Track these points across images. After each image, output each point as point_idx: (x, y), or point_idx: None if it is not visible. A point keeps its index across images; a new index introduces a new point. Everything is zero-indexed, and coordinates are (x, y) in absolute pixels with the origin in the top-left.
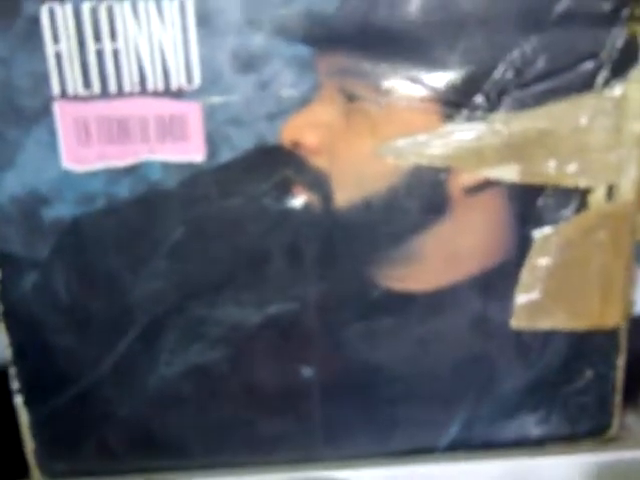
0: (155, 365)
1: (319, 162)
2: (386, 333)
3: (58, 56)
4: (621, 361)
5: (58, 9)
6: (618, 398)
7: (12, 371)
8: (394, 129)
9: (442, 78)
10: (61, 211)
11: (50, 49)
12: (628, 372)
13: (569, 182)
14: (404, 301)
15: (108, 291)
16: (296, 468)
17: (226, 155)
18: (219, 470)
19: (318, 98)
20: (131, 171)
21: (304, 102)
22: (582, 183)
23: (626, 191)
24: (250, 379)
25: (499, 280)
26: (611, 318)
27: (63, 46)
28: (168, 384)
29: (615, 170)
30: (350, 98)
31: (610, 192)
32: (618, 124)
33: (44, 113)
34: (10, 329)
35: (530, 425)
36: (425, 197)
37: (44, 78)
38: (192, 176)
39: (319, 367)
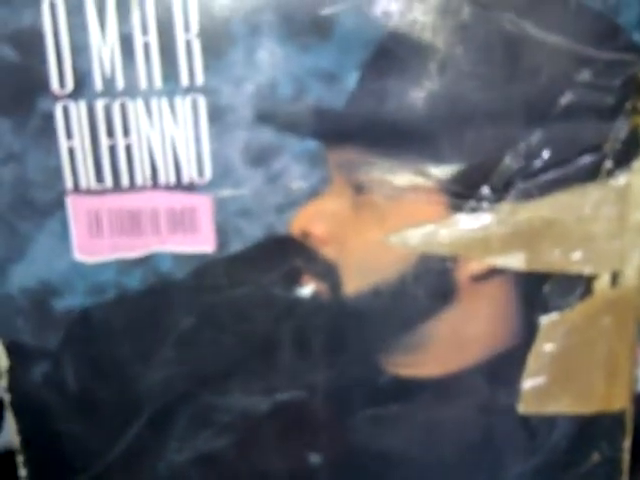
0: (164, 453)
1: (328, 252)
2: (394, 419)
3: (71, 151)
4: (627, 443)
5: (72, 106)
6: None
7: (20, 459)
8: (402, 220)
9: (449, 170)
10: (72, 302)
11: (64, 145)
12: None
13: (574, 269)
14: (412, 387)
15: (117, 380)
16: None
17: (236, 246)
18: None
19: (327, 190)
20: (142, 262)
21: (313, 194)
22: (587, 270)
23: (630, 277)
24: (258, 466)
25: (506, 365)
26: (617, 401)
27: (76, 142)
28: (177, 472)
29: (619, 257)
30: (359, 190)
31: (614, 278)
32: (622, 213)
33: (57, 206)
34: (18, 417)
35: None
36: (433, 285)
37: (57, 172)
38: (202, 266)
39: (327, 454)
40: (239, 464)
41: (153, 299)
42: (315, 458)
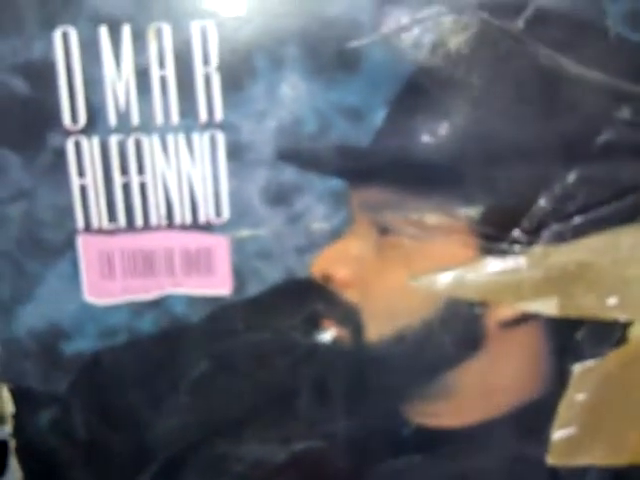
0: None
1: (350, 296)
2: (416, 472)
3: (83, 189)
4: None
5: (84, 142)
6: None
7: None
8: (428, 262)
9: (479, 211)
10: (81, 345)
11: (75, 182)
12: None
13: (609, 315)
14: (436, 438)
15: (128, 427)
16: None
17: (254, 289)
18: None
19: (350, 231)
20: (155, 305)
21: (336, 236)
22: (622, 316)
23: None
24: None
25: (535, 416)
26: None
27: (89, 179)
28: None
29: None
30: (383, 231)
31: None
32: None
33: (67, 246)
34: (23, 464)
35: None
36: (460, 331)
37: (68, 211)
38: (218, 310)
39: None
40: None
41: (166, 343)
42: None
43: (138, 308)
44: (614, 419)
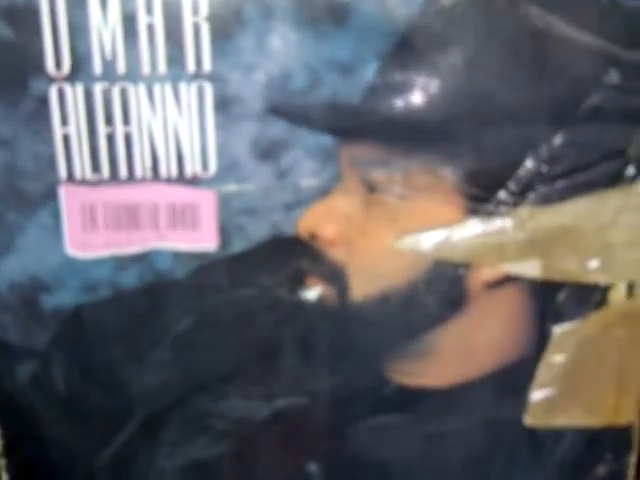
0: (155, 459)
1: (336, 254)
2: (396, 430)
3: (66, 138)
4: (634, 457)
5: (68, 89)
6: None
7: (2, 463)
8: (414, 222)
9: (466, 171)
10: (63, 299)
11: (58, 131)
12: None
13: (590, 279)
14: (416, 397)
15: (109, 382)
16: None
17: (239, 245)
18: None
19: (338, 188)
20: (139, 259)
21: (323, 192)
22: (603, 280)
23: None
24: (254, 475)
25: (514, 377)
26: (625, 415)
27: (72, 128)
28: (168, 476)
29: (637, 268)
30: (371, 189)
31: (630, 289)
32: None
33: (48, 197)
34: (3, 420)
35: None
36: (443, 292)
37: (50, 161)
38: (203, 266)
39: (326, 463)
40: (233, 472)
41: (150, 299)
42: (313, 467)
43: (121, 262)
44: (592, 381)
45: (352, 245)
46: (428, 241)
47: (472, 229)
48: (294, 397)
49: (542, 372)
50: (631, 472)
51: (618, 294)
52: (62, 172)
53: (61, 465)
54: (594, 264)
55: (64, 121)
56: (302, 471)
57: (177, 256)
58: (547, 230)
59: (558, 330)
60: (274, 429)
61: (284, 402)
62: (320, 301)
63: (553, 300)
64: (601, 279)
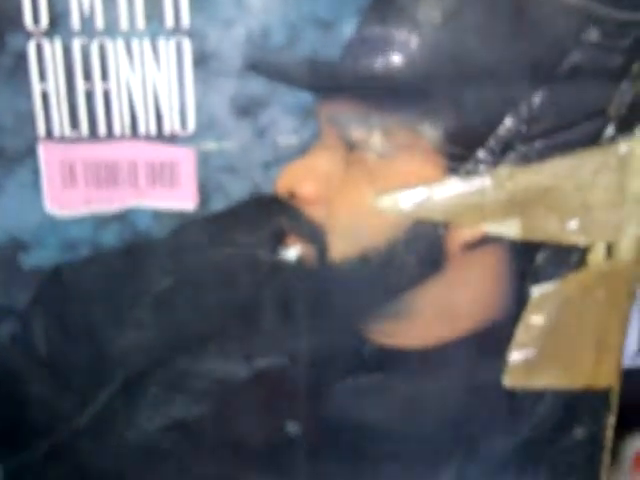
0: (135, 419)
1: (315, 213)
2: (375, 390)
3: (44, 95)
4: (612, 420)
5: (46, 45)
6: (607, 458)
7: None
8: (394, 181)
9: (446, 129)
10: (42, 258)
11: (36, 87)
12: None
13: (569, 239)
14: (395, 358)
15: (88, 342)
16: None
17: (219, 204)
18: None
19: (317, 147)
20: (118, 218)
21: (302, 150)
22: (582, 240)
23: (626, 250)
24: (234, 435)
25: (493, 338)
26: (604, 378)
27: (50, 84)
28: (148, 440)
29: (616, 228)
30: (350, 147)
31: (610, 250)
32: (622, 182)
33: (27, 154)
34: None
35: None
36: (422, 252)
37: (28, 118)
38: (182, 225)
39: (305, 423)
40: (213, 433)
41: (129, 258)
42: (293, 427)
43: (101, 221)
44: (571, 342)
45: (331, 204)
46: (407, 200)
47: (452, 188)
48: (274, 357)
49: (521, 333)
50: (609, 434)
51: (597, 255)
52: (41, 129)
53: (43, 425)
54: (573, 224)
55: (42, 77)
56: (282, 431)
57: (157, 215)
58: (526, 190)
59: (537, 291)
60: (254, 389)
61: (264, 362)
62: (299, 261)
63: (532, 261)
64: (580, 239)
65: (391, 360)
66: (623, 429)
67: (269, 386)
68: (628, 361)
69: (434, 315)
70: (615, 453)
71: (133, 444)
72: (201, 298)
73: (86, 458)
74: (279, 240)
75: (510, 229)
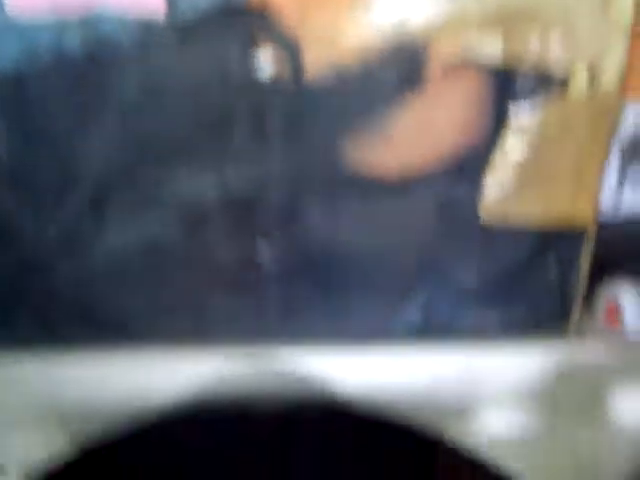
0: (102, 235)
1: (289, 24)
2: (349, 215)
3: None
4: (586, 264)
5: None
6: (579, 300)
7: None
8: None
9: None
10: (2, 65)
11: None
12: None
13: (551, 58)
14: (370, 183)
15: (52, 152)
16: (248, 347)
17: (188, 14)
18: (165, 346)
19: None
20: (83, 24)
21: None
22: (564, 60)
23: (609, 79)
24: (205, 255)
25: (470, 166)
26: (581, 216)
27: None
28: (118, 259)
29: (599, 50)
30: None
31: (592, 80)
32: (606, 8)
33: None
34: None
35: (490, 317)
36: (401, 69)
37: None
38: (150, 35)
39: (276, 246)
40: (183, 252)
41: (94, 65)
42: (264, 250)
43: (65, 27)
44: (547, 174)
45: (305, 15)
46: (385, 9)
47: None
48: (245, 177)
49: (498, 161)
50: (583, 276)
51: (579, 84)
52: None
53: (6, 239)
54: (555, 42)
55: None
56: (254, 252)
57: (123, 22)
58: (509, 4)
59: (516, 117)
60: (225, 208)
61: (235, 182)
62: (273, 77)
63: (512, 86)
64: (561, 59)
65: (366, 186)
66: (598, 280)
67: (240, 206)
68: (606, 203)
69: (411, 138)
70: (589, 305)
71: (101, 264)
72: (169, 109)
73: (52, 272)
74: (251, 53)
75: (491, 47)
